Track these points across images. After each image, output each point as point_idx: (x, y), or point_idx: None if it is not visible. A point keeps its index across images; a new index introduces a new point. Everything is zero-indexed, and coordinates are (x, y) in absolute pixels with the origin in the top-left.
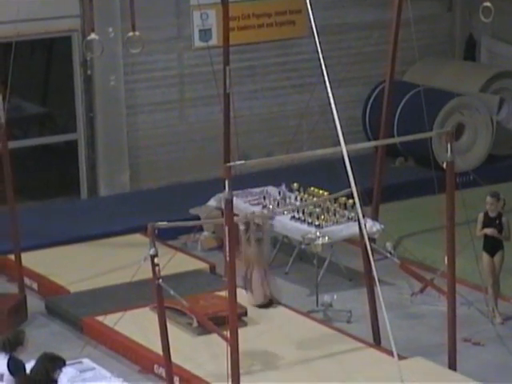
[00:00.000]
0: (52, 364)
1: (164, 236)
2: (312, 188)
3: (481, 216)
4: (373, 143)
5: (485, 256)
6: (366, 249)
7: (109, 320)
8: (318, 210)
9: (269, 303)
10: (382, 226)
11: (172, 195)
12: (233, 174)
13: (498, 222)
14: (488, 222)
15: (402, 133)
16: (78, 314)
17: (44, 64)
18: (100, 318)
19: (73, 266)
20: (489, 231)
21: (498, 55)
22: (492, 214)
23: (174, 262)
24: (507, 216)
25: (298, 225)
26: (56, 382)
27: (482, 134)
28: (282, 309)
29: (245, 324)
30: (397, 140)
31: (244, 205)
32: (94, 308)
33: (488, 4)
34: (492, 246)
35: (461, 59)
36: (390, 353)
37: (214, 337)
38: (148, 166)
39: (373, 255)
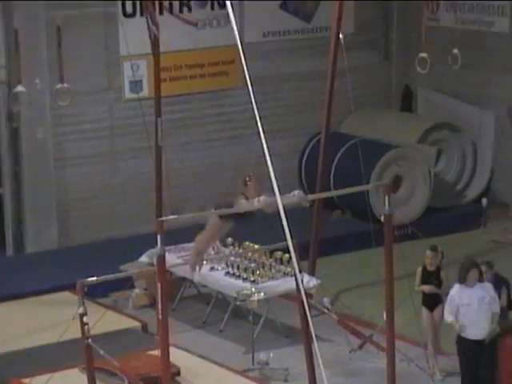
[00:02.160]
0: None
1: (94, 294)
2: (247, 242)
3: (419, 270)
4: (309, 197)
5: (424, 311)
6: (303, 304)
7: (36, 382)
8: (253, 265)
9: None
10: (319, 281)
11: (102, 251)
12: (165, 229)
13: (436, 275)
14: (427, 275)
15: (338, 184)
16: (5, 375)
17: None
18: (26, 380)
19: None
20: (427, 288)
21: (435, 106)
22: (431, 268)
23: (105, 320)
24: (446, 270)
25: (232, 280)
26: None
27: (420, 186)
28: (216, 367)
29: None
30: (333, 193)
31: (177, 260)
32: (20, 369)
33: (424, 55)
34: (431, 300)
35: (397, 110)
36: None
37: None
38: (78, 221)
39: (310, 311)
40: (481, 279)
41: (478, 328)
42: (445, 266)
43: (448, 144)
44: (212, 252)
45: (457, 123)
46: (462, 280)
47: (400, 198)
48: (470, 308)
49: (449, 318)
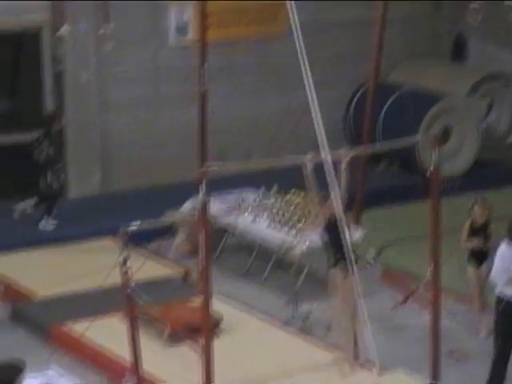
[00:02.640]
0: (7, 374)
1: (136, 241)
2: (292, 191)
3: (467, 224)
4: (355, 151)
5: (470, 266)
6: (348, 257)
7: (77, 328)
8: (297, 215)
9: None
10: (365, 232)
11: (145, 198)
12: (209, 177)
13: (484, 230)
14: (474, 230)
15: (386, 135)
16: (45, 320)
17: (12, 59)
18: (68, 326)
19: (40, 271)
20: (473, 244)
21: (487, 57)
22: (479, 223)
23: (146, 268)
24: (494, 225)
25: (275, 232)
26: None
27: (470, 138)
28: (257, 318)
29: (219, 334)
30: (380, 148)
31: (220, 209)
32: (61, 315)
33: (476, 5)
34: (478, 256)
35: (448, 60)
36: (372, 366)
37: (187, 347)
38: (121, 167)
39: (354, 264)
40: None
41: None
42: (493, 220)
43: (499, 96)
44: (256, 201)
45: (509, 75)
46: None
47: (448, 150)
48: None
49: (496, 278)
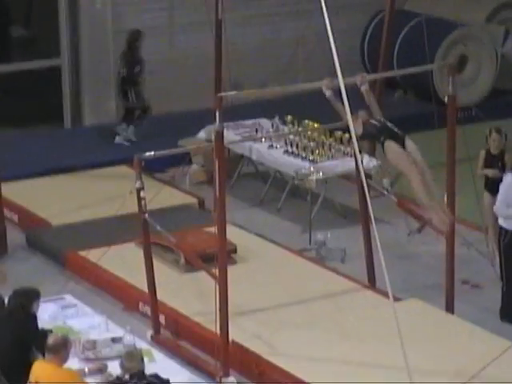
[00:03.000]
0: (25, 298)
1: (151, 169)
2: (307, 121)
3: (483, 153)
4: (371, 76)
5: (486, 195)
6: (362, 185)
7: (92, 255)
8: (312, 144)
9: None
10: (379, 162)
11: (160, 126)
12: (224, 105)
13: (500, 159)
14: (490, 159)
15: (401, 64)
16: (60, 247)
17: None
18: (83, 253)
19: (55, 198)
20: (490, 172)
21: None
22: (495, 152)
23: (161, 196)
24: (510, 153)
25: (291, 159)
26: (35, 316)
27: (486, 66)
28: (273, 246)
29: (234, 262)
30: (396, 73)
31: (235, 137)
32: (76, 242)
33: None
34: (494, 184)
35: None
36: (386, 294)
37: (202, 274)
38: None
39: (369, 192)
40: None
41: None
42: (509, 149)
43: None
44: (271, 130)
45: None
46: None
47: (465, 78)
48: None
49: (500, 209)
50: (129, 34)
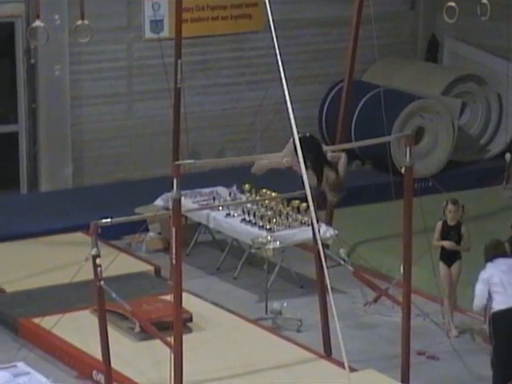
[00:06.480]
0: None
1: (107, 236)
2: (264, 190)
3: (439, 224)
4: (330, 148)
5: (442, 266)
6: (319, 255)
7: (46, 322)
8: (269, 213)
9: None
10: (336, 232)
11: (117, 193)
12: (182, 173)
13: (457, 231)
14: (447, 230)
15: (359, 135)
16: (14, 314)
17: None
18: (37, 320)
19: (9, 265)
20: (447, 244)
21: (461, 57)
22: (451, 223)
23: (117, 263)
24: (466, 225)
25: (248, 228)
26: None
27: (443, 138)
28: (229, 315)
29: (190, 330)
30: (354, 145)
31: (192, 205)
32: (30, 309)
33: (452, 4)
34: (449, 256)
35: (423, 60)
36: (341, 364)
37: (157, 343)
38: (92, 161)
39: (326, 262)
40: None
41: None
42: (465, 221)
43: (473, 97)
44: (228, 198)
45: (483, 75)
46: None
47: (422, 150)
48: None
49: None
50: None
